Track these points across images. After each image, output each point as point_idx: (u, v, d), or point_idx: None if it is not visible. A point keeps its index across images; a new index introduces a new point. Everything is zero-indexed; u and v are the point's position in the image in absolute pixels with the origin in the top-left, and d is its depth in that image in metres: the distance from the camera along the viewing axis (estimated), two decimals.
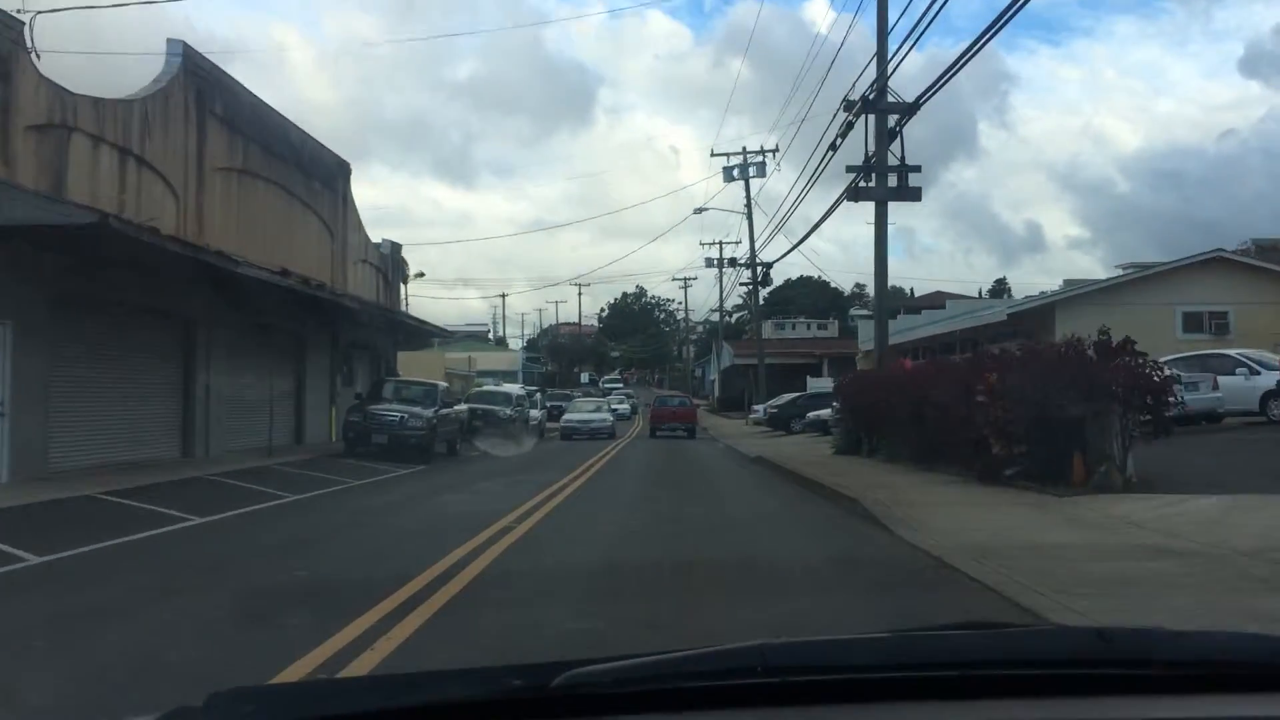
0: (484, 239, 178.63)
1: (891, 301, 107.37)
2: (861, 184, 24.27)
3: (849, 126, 24.97)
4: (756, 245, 50.83)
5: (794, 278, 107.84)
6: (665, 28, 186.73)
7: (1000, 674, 1.67)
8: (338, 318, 29.44)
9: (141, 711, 1.69)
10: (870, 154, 24.40)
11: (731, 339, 78.21)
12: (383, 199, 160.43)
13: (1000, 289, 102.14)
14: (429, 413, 24.75)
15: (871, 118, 24.40)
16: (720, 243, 74.46)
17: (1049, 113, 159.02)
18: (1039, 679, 1.67)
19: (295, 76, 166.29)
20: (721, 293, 72.79)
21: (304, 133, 28.99)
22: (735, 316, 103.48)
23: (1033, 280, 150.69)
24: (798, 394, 43.44)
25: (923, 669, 1.68)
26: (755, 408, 47.38)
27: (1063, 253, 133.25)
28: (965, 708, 1.62)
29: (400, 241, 38.16)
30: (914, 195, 24.48)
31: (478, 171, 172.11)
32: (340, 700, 1.68)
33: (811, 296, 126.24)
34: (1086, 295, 31.83)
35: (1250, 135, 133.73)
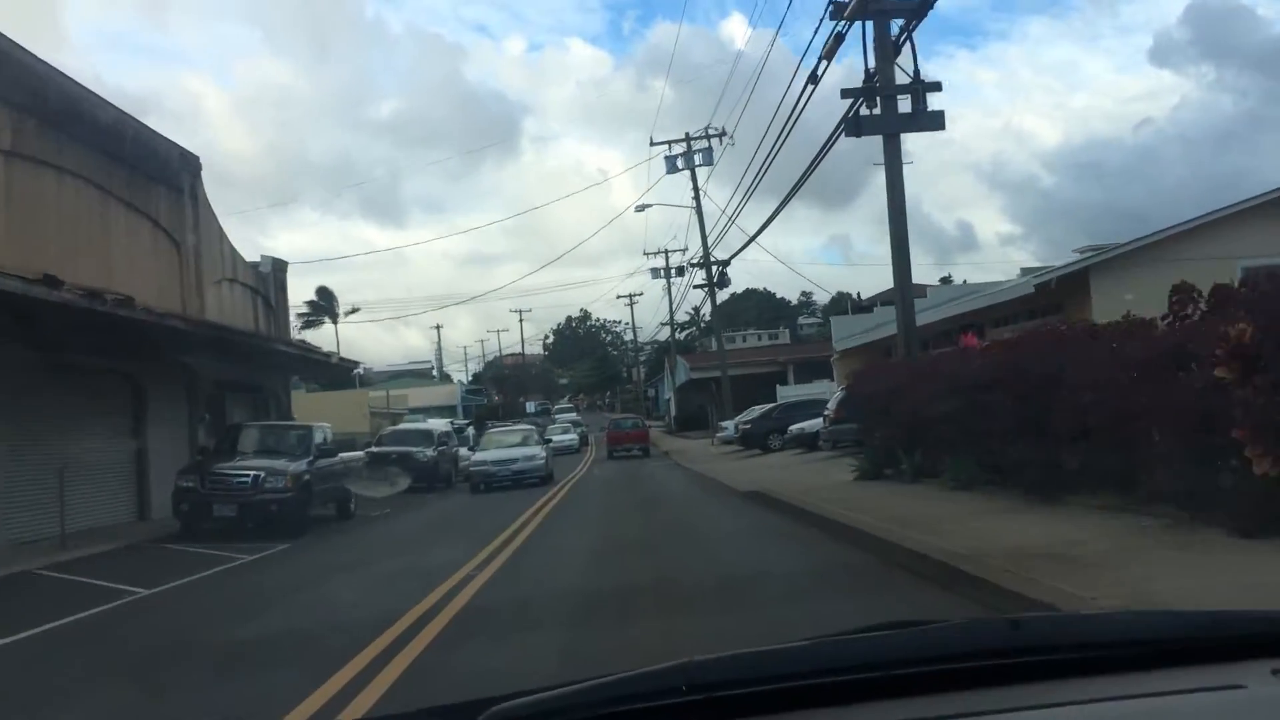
0: (420, 247, 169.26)
1: (841, 305, 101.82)
2: (865, 112, 17.71)
3: (838, 41, 18.43)
4: (708, 244, 44.15)
5: (739, 290, 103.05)
6: (586, 54, 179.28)
7: (920, 671, 1.64)
8: (194, 352, 22.35)
9: None
10: (872, 72, 17.86)
11: (683, 354, 71.43)
12: (313, 244, 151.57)
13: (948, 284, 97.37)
14: (298, 467, 17.59)
15: (869, 26, 17.92)
16: (666, 251, 68.39)
17: (971, 112, 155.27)
18: (957, 673, 1.64)
19: (211, 124, 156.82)
20: (671, 304, 66.02)
21: (124, 114, 21.81)
22: (685, 333, 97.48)
23: (974, 278, 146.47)
24: (771, 405, 36.66)
25: (845, 672, 1.64)
26: (723, 425, 40.56)
27: (996, 249, 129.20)
28: (887, 708, 1.60)
29: (286, 259, 30.96)
30: (935, 122, 17.89)
31: (407, 209, 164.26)
32: None
33: (758, 308, 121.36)
34: (1128, 255, 25.47)
35: (1166, 124, 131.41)
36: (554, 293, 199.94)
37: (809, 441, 29.74)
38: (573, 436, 51.10)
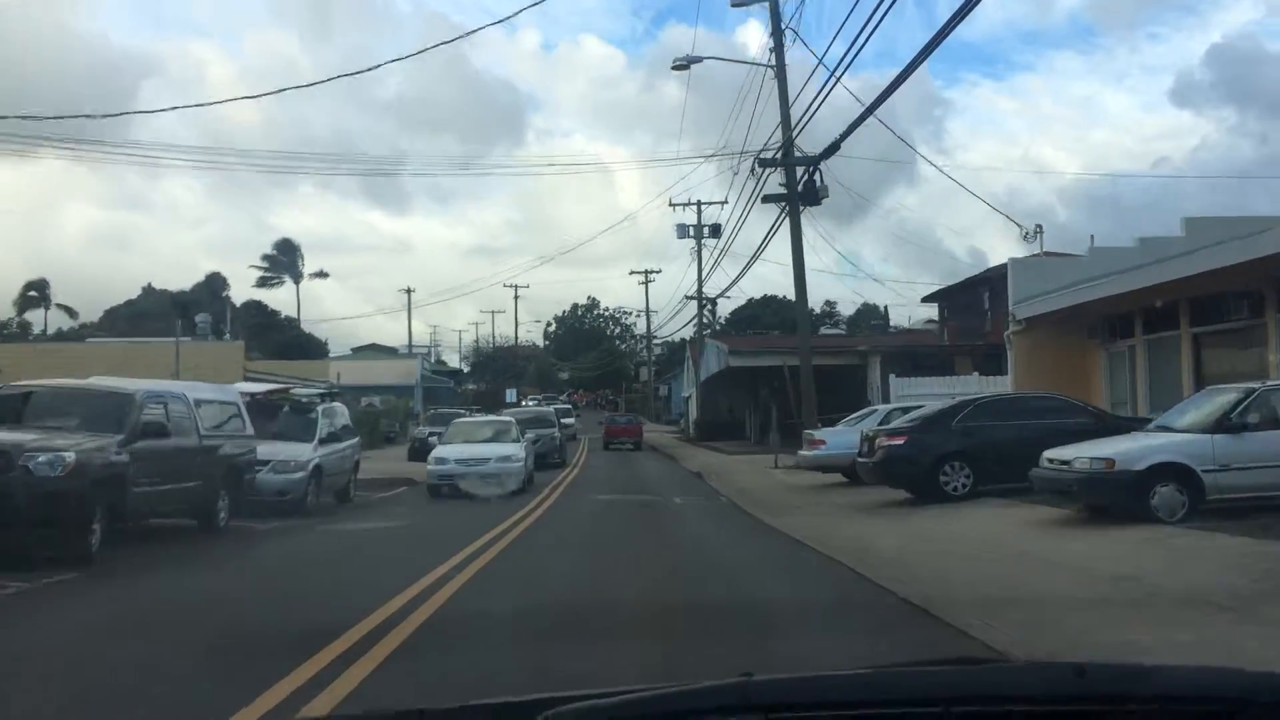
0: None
1: (869, 316, 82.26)
2: None
3: None
4: (790, 127, 24.70)
5: (756, 296, 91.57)
6: (599, 51, 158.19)
7: (980, 710, 1.58)
8: None
9: None
10: None
11: (714, 339, 52.09)
12: (315, 224, 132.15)
13: None
14: None
15: None
16: (699, 203, 49.67)
17: (989, 141, 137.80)
18: (1018, 715, 1.57)
19: (216, 95, 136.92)
20: (700, 269, 47.14)
21: None
22: (707, 331, 79.04)
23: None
24: (953, 403, 16.71)
25: (904, 705, 1.58)
26: (814, 435, 21.01)
27: None
28: None
29: None
30: None
31: (413, 196, 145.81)
32: None
33: (778, 314, 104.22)
34: None
35: (1184, 164, 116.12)
36: (559, 285, 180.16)
37: (1122, 497, 10.47)
38: (510, 452, 19.97)
